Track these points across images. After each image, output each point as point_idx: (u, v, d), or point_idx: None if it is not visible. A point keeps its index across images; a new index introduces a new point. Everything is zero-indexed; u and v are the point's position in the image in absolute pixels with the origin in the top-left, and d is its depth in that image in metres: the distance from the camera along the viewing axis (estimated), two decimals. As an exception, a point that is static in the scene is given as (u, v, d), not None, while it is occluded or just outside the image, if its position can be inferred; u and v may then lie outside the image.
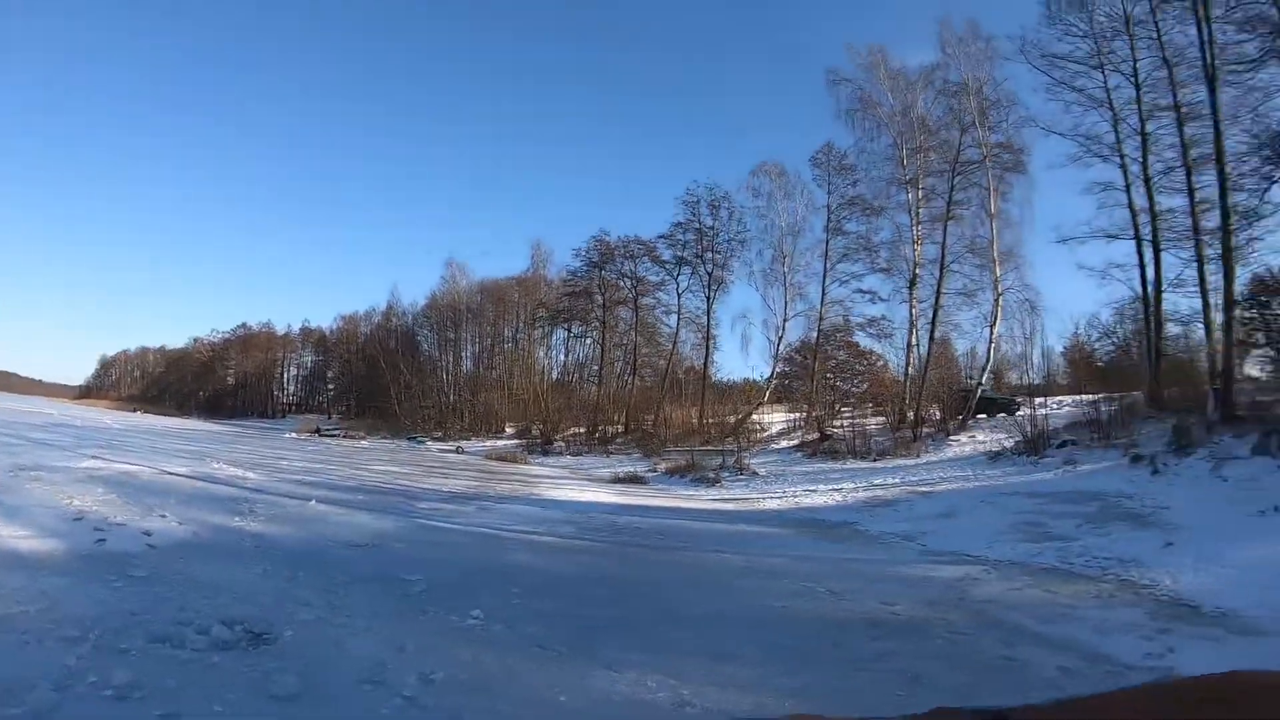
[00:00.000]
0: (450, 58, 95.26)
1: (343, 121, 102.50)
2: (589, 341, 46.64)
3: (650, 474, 22.91)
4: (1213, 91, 16.73)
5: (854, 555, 9.81)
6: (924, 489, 15.58)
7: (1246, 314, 16.87)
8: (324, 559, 7.01)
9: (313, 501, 10.67)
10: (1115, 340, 27.99)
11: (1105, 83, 20.81)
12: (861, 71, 28.47)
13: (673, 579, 7.72)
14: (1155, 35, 18.94)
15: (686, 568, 8.57)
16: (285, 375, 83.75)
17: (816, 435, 26.05)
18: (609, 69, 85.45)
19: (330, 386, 76.71)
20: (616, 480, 21.34)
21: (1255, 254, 16.64)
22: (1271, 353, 17.29)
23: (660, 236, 39.24)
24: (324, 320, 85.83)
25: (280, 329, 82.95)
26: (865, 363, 34.80)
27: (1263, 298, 16.86)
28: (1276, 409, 13.85)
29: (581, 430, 38.00)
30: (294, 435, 42.40)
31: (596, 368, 44.69)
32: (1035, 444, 17.57)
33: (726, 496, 17.99)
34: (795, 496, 16.64)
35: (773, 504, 15.96)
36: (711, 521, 13.44)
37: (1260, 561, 7.88)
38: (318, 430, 46.64)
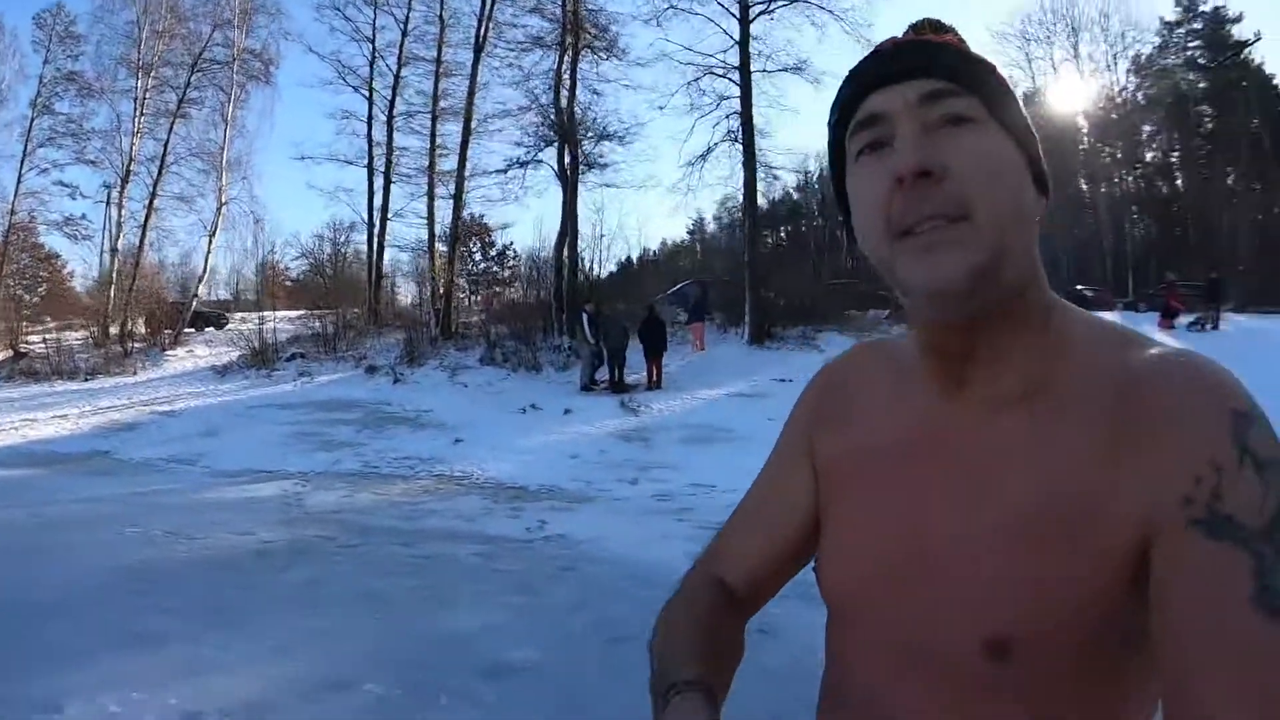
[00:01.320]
0: None
1: None
2: None
3: None
4: (477, 59, 18.89)
5: (141, 489, 7.95)
6: (164, 408, 13.62)
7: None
8: None
9: None
10: (312, 260, 29.19)
11: (375, 21, 21.41)
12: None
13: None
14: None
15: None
16: None
17: (10, 353, 20.71)
18: None
19: None
20: None
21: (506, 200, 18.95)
22: (467, 283, 20.89)
23: None
24: None
25: None
26: (49, 268, 28.34)
27: (467, 236, 20.12)
28: (483, 328, 16.73)
29: None
30: None
31: None
32: (265, 357, 17.05)
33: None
34: (16, 427, 12.47)
35: (-11, 439, 11.65)
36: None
37: (543, 447, 9.58)
38: None
